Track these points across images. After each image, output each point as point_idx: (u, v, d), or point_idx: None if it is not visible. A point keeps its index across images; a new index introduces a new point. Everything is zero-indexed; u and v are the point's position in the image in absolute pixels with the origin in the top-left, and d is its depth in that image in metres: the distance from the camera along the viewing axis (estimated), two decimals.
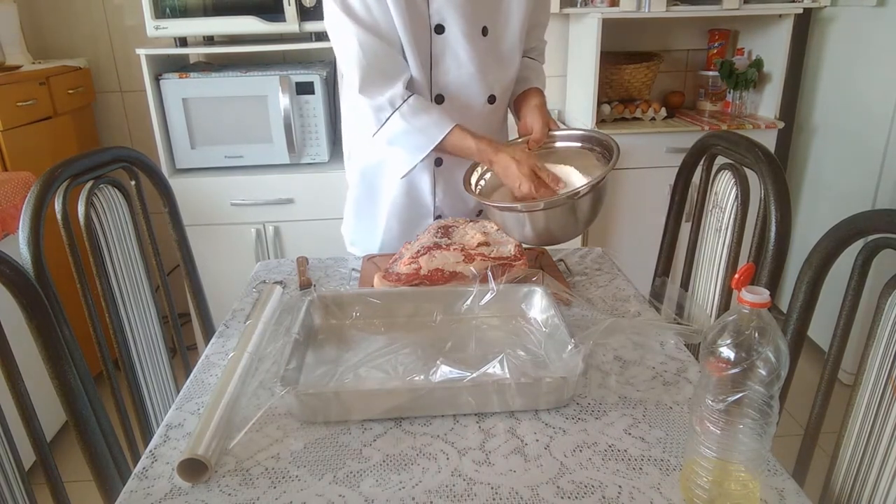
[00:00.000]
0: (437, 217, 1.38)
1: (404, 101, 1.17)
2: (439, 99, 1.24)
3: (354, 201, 1.41)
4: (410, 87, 1.21)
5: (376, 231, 1.39)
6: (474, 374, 0.84)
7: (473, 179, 1.25)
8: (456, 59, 1.21)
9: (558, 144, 1.27)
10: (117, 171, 1.21)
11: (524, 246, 1.20)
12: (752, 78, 2.47)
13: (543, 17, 1.34)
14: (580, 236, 1.26)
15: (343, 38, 1.17)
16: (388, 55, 1.17)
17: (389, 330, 1.02)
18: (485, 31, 1.21)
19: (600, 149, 1.22)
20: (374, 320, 1.05)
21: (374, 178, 1.35)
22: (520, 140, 1.29)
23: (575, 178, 1.18)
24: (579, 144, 1.26)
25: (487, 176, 1.27)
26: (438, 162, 1.32)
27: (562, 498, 0.70)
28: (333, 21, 1.17)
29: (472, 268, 1.11)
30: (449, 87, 1.24)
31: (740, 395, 0.63)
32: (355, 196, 1.40)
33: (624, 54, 2.62)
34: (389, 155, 1.25)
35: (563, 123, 2.73)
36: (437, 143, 1.16)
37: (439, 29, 1.18)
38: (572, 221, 1.15)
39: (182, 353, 1.37)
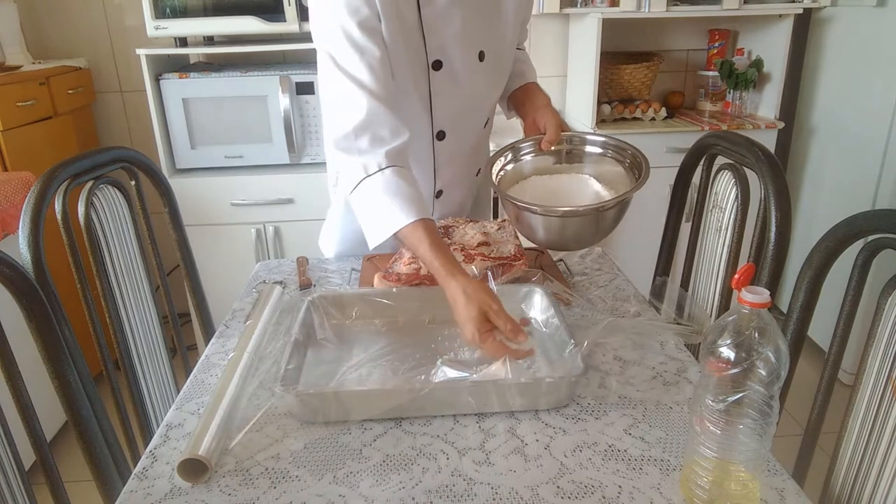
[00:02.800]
0: None
1: (380, 170, 1.01)
2: (441, 135, 1.20)
3: (335, 216, 1.35)
4: (404, 157, 1.06)
5: (363, 247, 1.35)
6: (474, 374, 0.84)
7: (495, 169, 1.19)
8: (455, 93, 1.15)
9: (587, 149, 1.23)
10: (117, 171, 1.21)
11: (524, 246, 1.19)
12: (752, 78, 2.47)
13: (529, 13, 1.29)
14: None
15: (344, 93, 1.04)
16: (388, 119, 1.03)
17: (389, 330, 1.02)
18: (481, 56, 1.16)
19: (630, 161, 1.18)
20: (374, 320, 1.05)
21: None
22: (529, 140, 1.24)
23: (596, 187, 1.16)
24: (609, 153, 1.21)
25: (510, 167, 1.22)
26: (439, 194, 1.29)
27: (562, 498, 0.70)
28: (334, 80, 1.05)
29: (472, 267, 1.11)
30: (449, 122, 1.19)
31: (740, 395, 0.63)
32: (336, 211, 1.34)
33: (624, 54, 2.62)
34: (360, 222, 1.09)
35: (564, 124, 2.73)
36: (391, 234, 0.99)
37: (437, 65, 1.12)
38: (591, 231, 1.11)
39: (182, 353, 1.37)
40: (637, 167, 1.14)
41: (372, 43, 1.02)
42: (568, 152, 1.22)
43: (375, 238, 1.01)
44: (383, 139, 1.03)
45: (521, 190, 1.18)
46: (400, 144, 1.04)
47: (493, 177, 1.19)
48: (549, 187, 1.19)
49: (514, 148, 1.23)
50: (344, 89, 1.04)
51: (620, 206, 1.08)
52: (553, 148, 1.20)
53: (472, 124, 1.24)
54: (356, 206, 1.05)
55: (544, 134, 1.20)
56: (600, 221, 1.09)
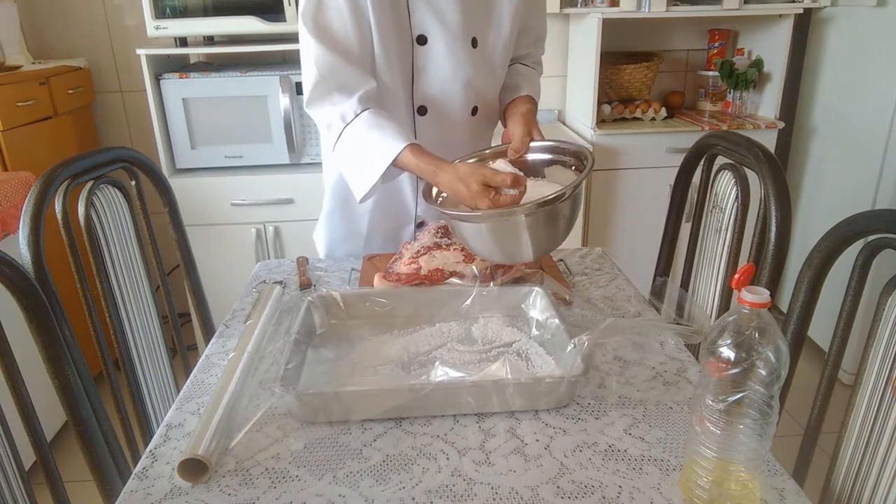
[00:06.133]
0: (419, 224, 1.34)
1: (356, 116, 1.09)
2: (422, 110, 1.21)
3: (328, 213, 1.37)
4: (374, 101, 1.13)
5: (356, 241, 1.37)
6: (475, 375, 0.84)
7: (435, 190, 1.14)
8: (439, 72, 1.17)
9: (530, 157, 1.16)
10: (117, 171, 1.21)
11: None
12: (752, 78, 2.47)
13: (536, 23, 1.29)
14: (569, 238, 1.10)
15: (304, 51, 1.12)
16: (346, 70, 1.10)
17: (389, 330, 1.02)
18: (475, 43, 1.17)
19: (574, 160, 1.11)
20: (373, 320, 1.05)
21: (348, 192, 1.28)
22: (476, 154, 1.19)
23: (547, 189, 1.06)
24: (549, 157, 1.15)
25: None
26: None
27: (562, 498, 0.70)
28: (300, 33, 1.12)
29: (472, 267, 1.11)
30: (432, 100, 1.20)
31: (740, 395, 0.63)
32: (329, 208, 1.36)
33: (624, 54, 2.62)
34: (346, 174, 1.15)
35: (563, 124, 2.74)
36: (390, 162, 1.05)
37: (421, 40, 1.14)
38: (547, 235, 1.01)
39: (182, 353, 1.37)
40: (582, 163, 1.08)
41: (349, 3, 1.08)
42: (514, 163, 1.13)
43: (374, 172, 1.07)
44: (350, 88, 1.10)
45: (464, 208, 1.06)
46: (369, 90, 1.11)
47: (434, 194, 1.12)
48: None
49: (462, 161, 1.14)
50: (312, 42, 1.10)
51: (571, 199, 0.99)
52: (511, 158, 1.14)
53: (457, 107, 1.22)
54: (343, 154, 1.12)
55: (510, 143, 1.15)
56: (552, 221, 1.00)
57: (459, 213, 1.03)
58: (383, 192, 1.27)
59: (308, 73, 1.12)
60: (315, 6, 1.10)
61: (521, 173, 1.00)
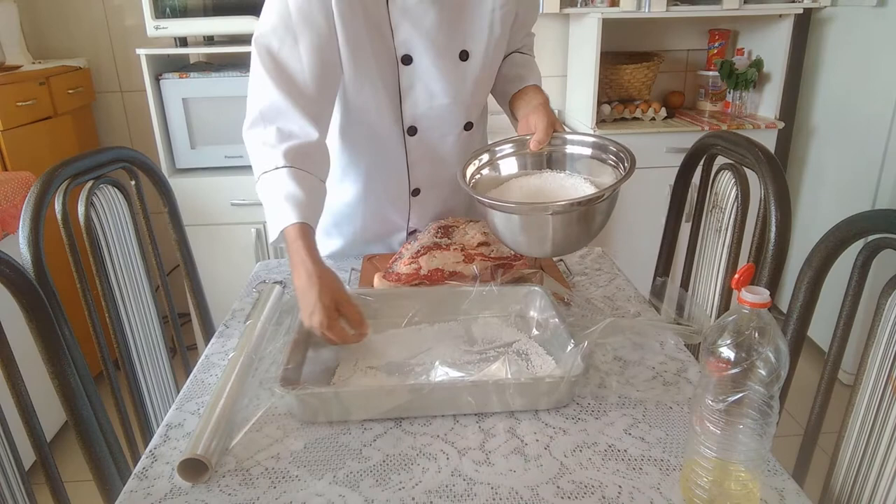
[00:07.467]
0: (411, 232, 1.33)
1: (275, 169, 1.02)
2: (412, 131, 1.18)
3: (324, 222, 1.31)
4: (306, 155, 1.06)
5: (346, 247, 1.35)
6: (474, 375, 0.84)
7: (469, 171, 1.12)
8: (427, 91, 1.14)
9: (567, 149, 1.14)
10: (117, 171, 1.21)
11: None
12: (752, 78, 2.47)
13: (527, 14, 1.25)
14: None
15: (252, 77, 1.08)
16: (290, 114, 1.05)
17: (389, 329, 1.02)
18: (464, 56, 1.14)
19: (614, 159, 1.09)
20: (373, 320, 1.05)
21: (335, 196, 1.27)
22: (526, 138, 1.16)
23: (582, 185, 1.08)
24: (589, 152, 1.12)
25: (485, 171, 1.15)
26: (415, 192, 1.27)
27: (562, 498, 0.70)
28: (252, 56, 1.09)
29: (472, 267, 1.11)
30: (422, 119, 1.17)
31: (740, 395, 0.63)
32: (325, 220, 1.31)
33: (624, 54, 2.62)
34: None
35: (563, 124, 2.74)
36: (278, 232, 1.00)
37: (406, 60, 1.10)
38: (581, 230, 1.02)
39: (182, 353, 1.37)
40: (622, 163, 1.06)
41: (308, 33, 1.04)
42: (549, 154, 1.14)
43: (271, 232, 1.03)
44: (290, 134, 1.04)
45: (499, 194, 1.08)
46: (305, 143, 1.04)
47: (468, 178, 1.10)
48: (532, 189, 1.10)
49: (490, 150, 1.15)
50: (264, 73, 1.06)
51: (610, 200, 1.00)
52: (533, 150, 1.12)
53: (449, 123, 1.20)
54: (259, 194, 1.07)
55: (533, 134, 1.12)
56: (590, 218, 1.01)
57: (494, 202, 1.00)
58: (375, 199, 1.27)
59: (252, 102, 1.06)
60: (270, 33, 1.04)
61: (368, 323, 0.94)
